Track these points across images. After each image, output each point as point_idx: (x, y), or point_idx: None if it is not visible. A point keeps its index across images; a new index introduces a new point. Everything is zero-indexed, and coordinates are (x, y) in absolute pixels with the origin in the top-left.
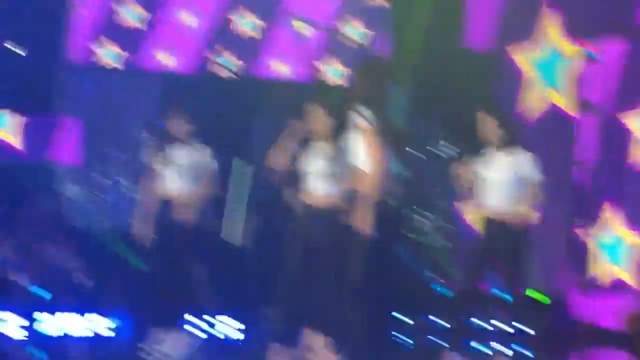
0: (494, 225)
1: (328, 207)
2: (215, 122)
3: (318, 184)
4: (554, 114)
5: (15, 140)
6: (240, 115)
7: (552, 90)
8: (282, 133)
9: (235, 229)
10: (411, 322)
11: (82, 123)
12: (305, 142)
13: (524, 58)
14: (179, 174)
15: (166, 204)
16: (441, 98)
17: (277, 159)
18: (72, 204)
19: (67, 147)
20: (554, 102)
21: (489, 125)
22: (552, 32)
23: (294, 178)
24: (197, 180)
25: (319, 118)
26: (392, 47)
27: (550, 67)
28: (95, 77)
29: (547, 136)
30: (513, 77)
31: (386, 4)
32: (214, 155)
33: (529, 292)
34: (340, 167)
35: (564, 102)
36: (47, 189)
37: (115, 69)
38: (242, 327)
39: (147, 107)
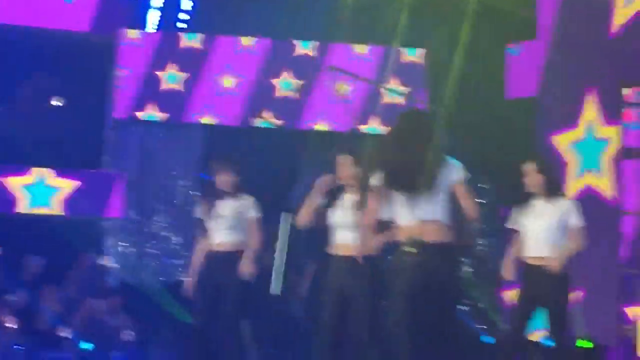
0: (535, 271)
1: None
2: (259, 174)
3: (347, 234)
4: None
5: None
6: (282, 167)
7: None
8: (311, 186)
9: (278, 280)
10: None
11: (127, 177)
12: (336, 193)
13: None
14: (225, 225)
15: (215, 256)
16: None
17: (304, 213)
18: (120, 259)
19: (115, 201)
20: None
21: (532, 175)
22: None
23: (321, 230)
24: (244, 231)
25: (348, 168)
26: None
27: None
28: (140, 133)
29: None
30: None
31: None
32: (259, 205)
33: (578, 342)
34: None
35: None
36: (94, 243)
37: (158, 123)
38: None
39: (192, 160)
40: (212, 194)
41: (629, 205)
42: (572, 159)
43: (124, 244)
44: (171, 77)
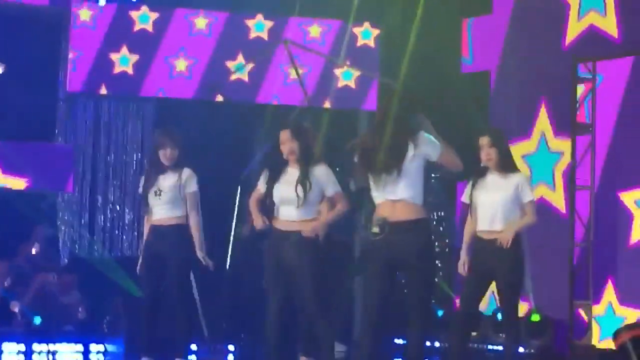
0: (487, 244)
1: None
2: (212, 148)
3: (290, 209)
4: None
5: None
6: (238, 141)
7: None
8: (254, 159)
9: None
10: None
11: (74, 150)
12: (281, 167)
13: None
14: (164, 200)
15: (156, 231)
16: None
17: (256, 221)
18: (71, 233)
19: (66, 176)
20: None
21: (486, 149)
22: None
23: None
24: (184, 206)
25: (289, 143)
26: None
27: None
28: (92, 106)
29: None
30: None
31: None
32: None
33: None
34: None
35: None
36: (46, 217)
37: (111, 97)
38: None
39: (145, 134)
40: (155, 168)
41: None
42: (525, 171)
43: (75, 218)
44: (123, 60)
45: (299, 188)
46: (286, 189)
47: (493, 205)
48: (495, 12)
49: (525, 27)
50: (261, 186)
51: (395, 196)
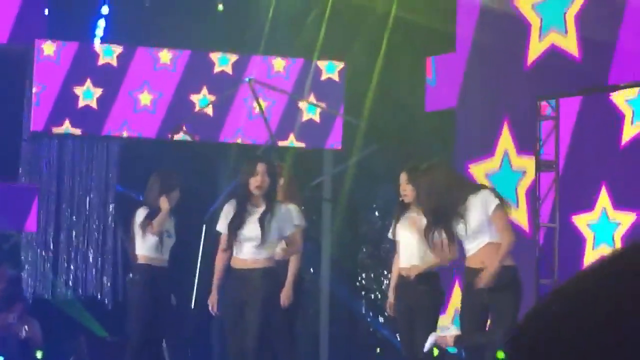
0: (405, 283)
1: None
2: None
3: (251, 247)
4: None
5: None
6: (202, 180)
7: None
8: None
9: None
10: None
11: (40, 190)
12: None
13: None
14: (154, 241)
15: (137, 268)
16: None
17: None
18: (34, 272)
19: (30, 215)
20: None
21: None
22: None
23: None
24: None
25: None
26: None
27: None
28: (56, 146)
29: None
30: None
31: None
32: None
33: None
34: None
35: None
36: (9, 257)
37: (75, 136)
38: None
39: (109, 174)
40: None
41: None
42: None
43: (38, 257)
44: (87, 94)
45: (264, 226)
46: (251, 227)
47: (409, 242)
48: (459, 48)
49: (488, 49)
50: (223, 231)
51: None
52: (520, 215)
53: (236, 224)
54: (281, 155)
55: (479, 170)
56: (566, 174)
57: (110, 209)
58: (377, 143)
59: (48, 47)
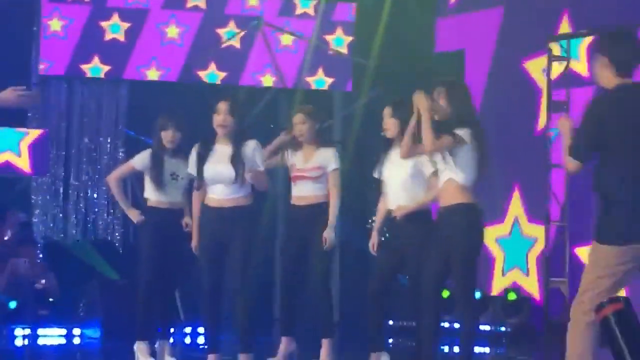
0: (393, 222)
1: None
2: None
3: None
4: None
5: None
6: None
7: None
8: None
9: None
10: None
11: (52, 135)
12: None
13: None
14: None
15: (145, 211)
16: None
17: None
18: (45, 217)
19: (40, 159)
20: None
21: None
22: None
23: None
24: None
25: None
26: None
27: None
28: (64, 89)
29: None
30: None
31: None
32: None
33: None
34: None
35: None
36: (20, 201)
37: (83, 79)
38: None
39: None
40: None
41: None
42: (499, 255)
43: (49, 201)
44: (114, 28)
45: (235, 165)
46: (220, 166)
47: (396, 181)
48: None
49: (498, 112)
50: (193, 172)
51: None
52: (530, 283)
53: (200, 165)
54: (289, 98)
55: (489, 234)
56: None
57: (120, 153)
58: (385, 84)
59: (55, 23)
